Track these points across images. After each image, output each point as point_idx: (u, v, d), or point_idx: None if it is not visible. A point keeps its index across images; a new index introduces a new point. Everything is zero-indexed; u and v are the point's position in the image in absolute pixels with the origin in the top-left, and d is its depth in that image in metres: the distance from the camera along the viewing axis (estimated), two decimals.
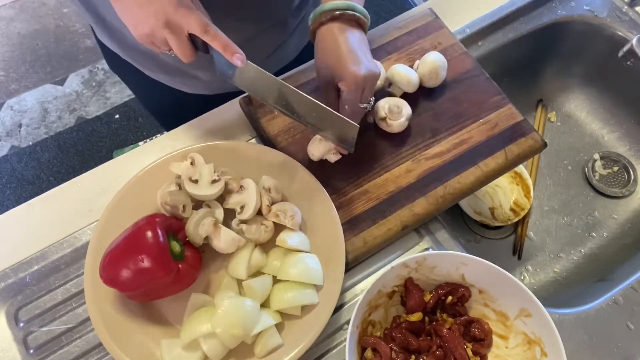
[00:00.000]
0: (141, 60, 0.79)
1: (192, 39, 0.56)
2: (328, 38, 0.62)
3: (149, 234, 0.55)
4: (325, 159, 0.69)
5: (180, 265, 0.56)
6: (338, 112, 0.62)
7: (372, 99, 0.66)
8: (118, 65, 0.85)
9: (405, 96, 0.74)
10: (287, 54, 0.86)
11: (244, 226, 0.61)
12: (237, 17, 0.71)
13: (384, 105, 0.70)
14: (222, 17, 0.66)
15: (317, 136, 0.67)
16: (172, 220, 0.59)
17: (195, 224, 0.59)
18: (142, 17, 0.54)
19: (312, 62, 0.79)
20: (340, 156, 0.68)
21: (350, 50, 0.61)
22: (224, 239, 0.59)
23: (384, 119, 0.70)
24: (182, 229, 0.60)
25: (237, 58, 0.55)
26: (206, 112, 0.77)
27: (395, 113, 0.69)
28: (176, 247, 0.57)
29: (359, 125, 0.61)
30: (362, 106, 0.63)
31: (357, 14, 0.63)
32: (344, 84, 0.61)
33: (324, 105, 0.60)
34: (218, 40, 0.54)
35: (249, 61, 0.57)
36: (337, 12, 0.62)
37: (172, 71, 0.79)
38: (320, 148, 0.67)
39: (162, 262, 0.54)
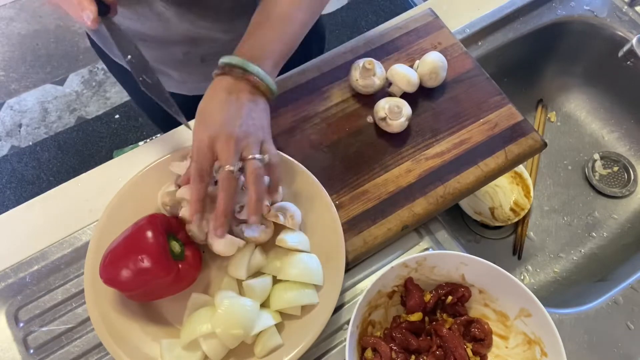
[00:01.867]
0: (116, 53, 0.79)
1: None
2: (214, 89, 0.57)
3: (149, 234, 0.55)
4: None
5: (180, 265, 0.56)
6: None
7: (237, 164, 0.54)
8: (112, 67, 0.85)
9: (405, 96, 0.74)
10: None
11: (243, 226, 0.61)
12: (228, 18, 0.71)
13: (384, 105, 0.70)
14: (211, 21, 0.66)
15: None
16: (172, 220, 0.59)
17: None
18: None
19: (310, 62, 0.79)
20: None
21: (208, 107, 0.55)
22: (223, 243, 0.59)
23: (384, 119, 0.70)
24: (182, 229, 0.60)
25: (87, 16, 0.49)
26: (187, 114, 0.76)
27: (395, 113, 0.69)
28: (176, 247, 0.57)
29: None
30: (226, 169, 0.53)
31: (248, 74, 0.56)
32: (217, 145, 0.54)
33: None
34: None
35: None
36: (227, 68, 0.57)
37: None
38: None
39: (162, 262, 0.54)
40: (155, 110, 0.99)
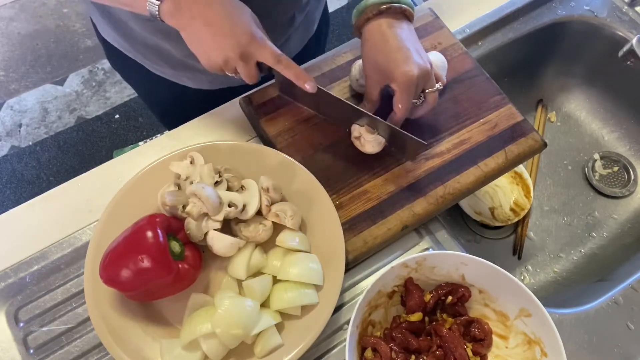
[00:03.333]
0: (147, 54, 0.78)
1: (258, 63, 0.60)
2: (376, 36, 0.62)
3: (149, 234, 0.55)
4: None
5: (180, 265, 0.56)
6: (381, 106, 0.67)
7: (428, 91, 0.66)
8: (120, 62, 0.85)
9: None
10: (291, 49, 0.86)
11: (242, 225, 0.61)
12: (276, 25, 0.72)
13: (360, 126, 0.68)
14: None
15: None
16: (172, 220, 0.59)
17: (198, 221, 0.59)
18: (216, 49, 0.57)
19: (310, 62, 0.79)
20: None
21: (400, 49, 0.61)
22: (223, 244, 0.59)
23: (358, 137, 0.69)
24: (182, 229, 0.60)
25: (310, 85, 0.58)
26: (208, 107, 0.77)
27: (369, 133, 0.67)
28: (176, 247, 0.57)
29: (426, 144, 0.64)
30: (429, 91, 0.65)
31: (404, 6, 0.63)
32: (397, 85, 0.62)
33: (393, 126, 0.63)
34: (291, 70, 0.58)
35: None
36: (384, 7, 0.62)
37: (179, 65, 0.79)
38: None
39: (162, 262, 0.54)
40: (163, 108, 0.99)
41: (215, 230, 0.60)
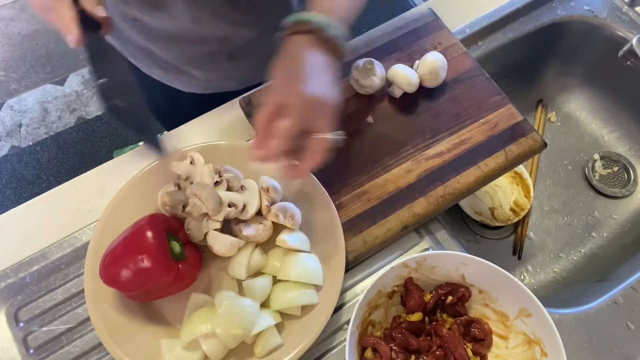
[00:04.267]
0: (137, 54, 0.78)
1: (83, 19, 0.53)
2: (290, 49, 0.56)
3: (149, 234, 0.55)
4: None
5: (180, 265, 0.56)
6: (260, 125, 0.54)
7: (340, 133, 0.57)
8: None
9: (405, 96, 0.74)
10: (246, 69, 0.85)
11: (242, 225, 0.61)
12: (232, 24, 0.71)
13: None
14: (243, 14, 0.65)
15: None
16: (172, 220, 0.59)
17: (198, 221, 0.59)
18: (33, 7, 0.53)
19: None
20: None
21: (305, 68, 0.54)
22: (223, 244, 0.59)
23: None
24: (182, 229, 0.60)
25: (70, 40, 0.52)
26: (201, 112, 0.77)
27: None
28: (176, 247, 0.57)
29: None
30: (320, 136, 0.53)
31: (330, 36, 0.55)
32: (287, 104, 0.53)
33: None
34: (60, 20, 0.51)
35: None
36: (309, 27, 0.55)
37: (167, 67, 0.78)
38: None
39: (162, 262, 0.54)
40: (159, 111, 0.98)
41: (215, 230, 0.60)
